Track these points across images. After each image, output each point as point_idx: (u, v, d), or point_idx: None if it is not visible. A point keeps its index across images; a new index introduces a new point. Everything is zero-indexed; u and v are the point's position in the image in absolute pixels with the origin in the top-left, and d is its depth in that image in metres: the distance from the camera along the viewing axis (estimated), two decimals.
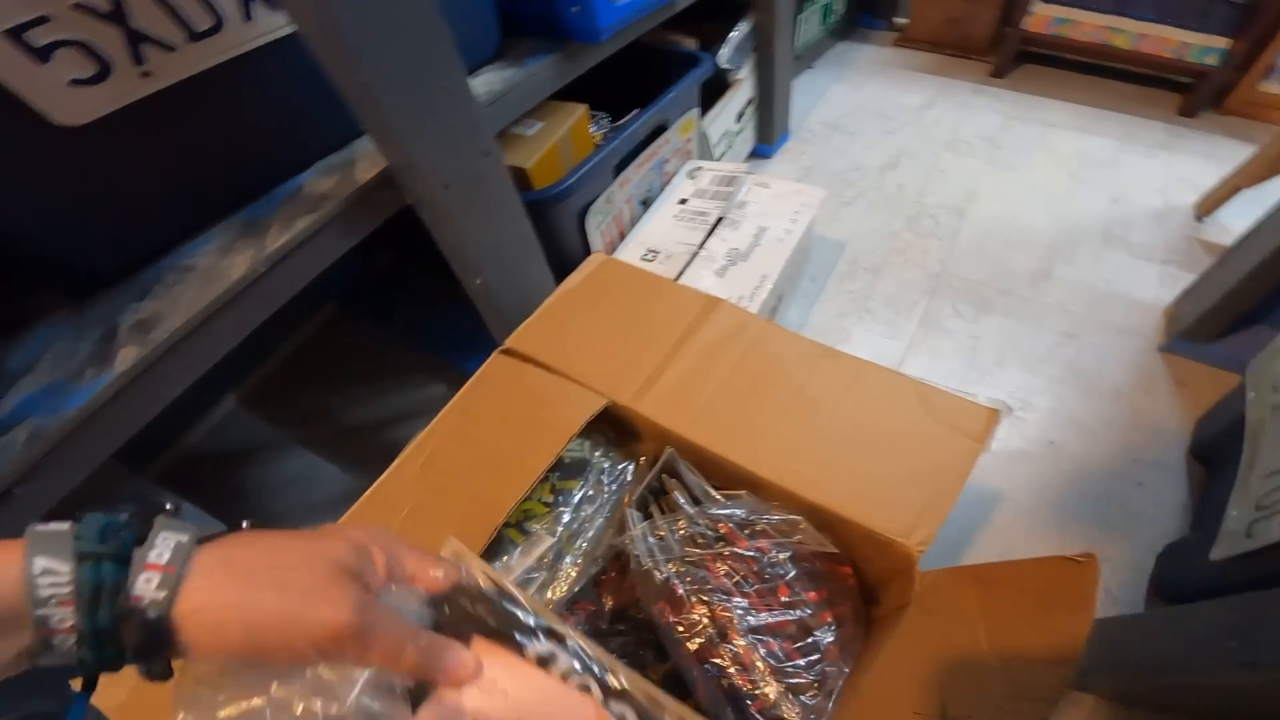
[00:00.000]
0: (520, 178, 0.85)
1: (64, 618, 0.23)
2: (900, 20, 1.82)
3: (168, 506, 0.29)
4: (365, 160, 0.67)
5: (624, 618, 0.66)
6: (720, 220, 1.02)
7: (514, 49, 0.82)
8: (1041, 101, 1.56)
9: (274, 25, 0.58)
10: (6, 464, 0.47)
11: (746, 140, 1.42)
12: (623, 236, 1.03)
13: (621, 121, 1.15)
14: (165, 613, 0.24)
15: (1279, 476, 0.71)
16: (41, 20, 0.45)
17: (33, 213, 0.52)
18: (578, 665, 0.35)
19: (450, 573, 0.33)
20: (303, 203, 0.64)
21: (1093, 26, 1.45)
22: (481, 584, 0.35)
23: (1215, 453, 0.93)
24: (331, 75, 0.55)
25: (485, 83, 0.77)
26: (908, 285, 1.20)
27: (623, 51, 0.94)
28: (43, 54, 0.46)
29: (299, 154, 0.68)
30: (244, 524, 0.30)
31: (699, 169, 1.12)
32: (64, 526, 0.25)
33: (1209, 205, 1.22)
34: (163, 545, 0.25)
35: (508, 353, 0.70)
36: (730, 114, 1.29)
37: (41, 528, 0.24)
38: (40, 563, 0.23)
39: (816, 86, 1.69)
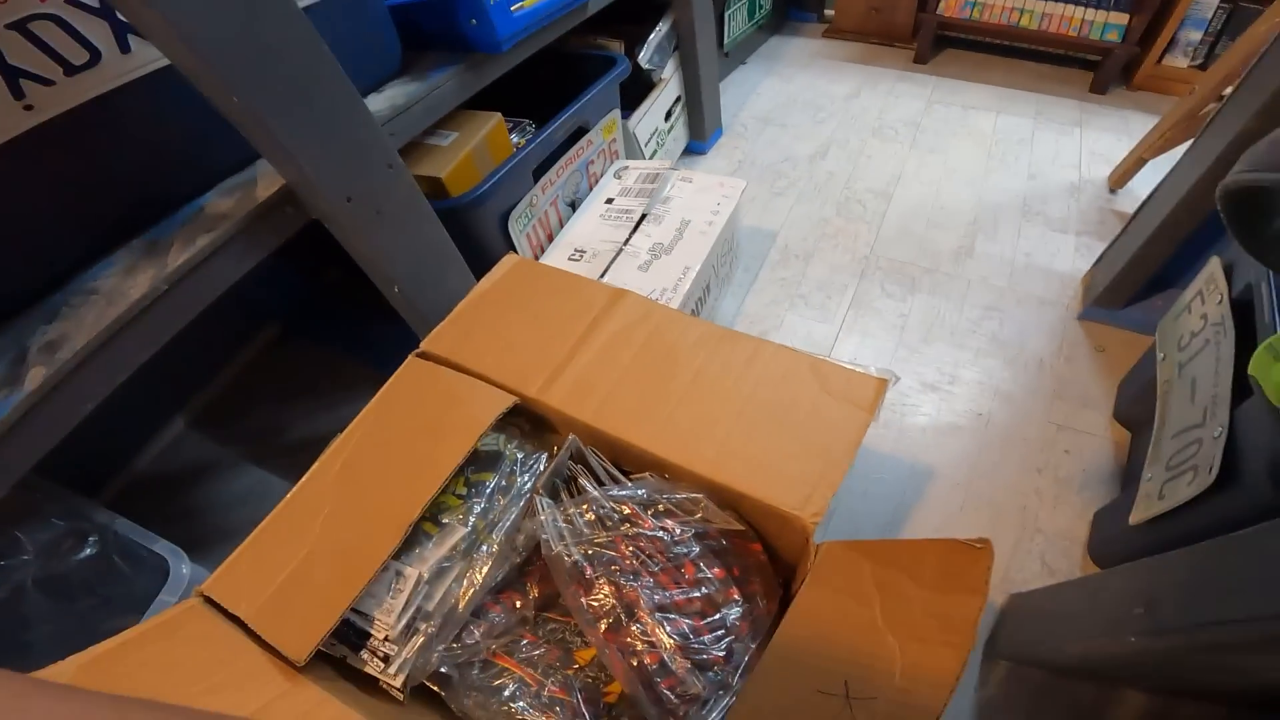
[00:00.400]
0: (437, 187, 0.87)
1: None
2: (829, 11, 1.87)
3: None
4: (266, 178, 0.69)
5: (552, 605, 0.68)
6: (644, 216, 1.04)
7: (419, 63, 0.84)
8: (961, 85, 1.61)
9: (153, 56, 0.59)
10: None
11: (679, 138, 1.45)
12: (551, 239, 1.05)
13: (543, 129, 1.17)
14: None
15: (1186, 435, 0.73)
16: None
17: None
18: None
19: None
20: (203, 222, 0.65)
21: (1002, 8, 1.51)
22: None
23: (1136, 415, 0.96)
24: (212, 102, 0.56)
25: (388, 98, 0.78)
26: (838, 269, 1.23)
27: (542, 57, 0.97)
28: None
29: (199, 175, 0.69)
30: None
31: (625, 168, 1.14)
32: None
33: (1120, 177, 1.27)
34: None
35: (423, 355, 0.71)
36: (658, 113, 1.32)
37: None
38: None
39: (749, 81, 1.72)
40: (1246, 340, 0.70)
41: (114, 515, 0.73)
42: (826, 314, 1.16)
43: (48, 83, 0.54)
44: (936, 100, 1.57)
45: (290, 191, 0.67)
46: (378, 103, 0.78)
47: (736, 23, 1.64)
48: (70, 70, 0.55)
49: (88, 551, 0.68)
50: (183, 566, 0.70)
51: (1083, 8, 1.42)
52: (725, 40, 1.61)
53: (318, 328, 1.28)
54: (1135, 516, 0.75)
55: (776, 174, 1.44)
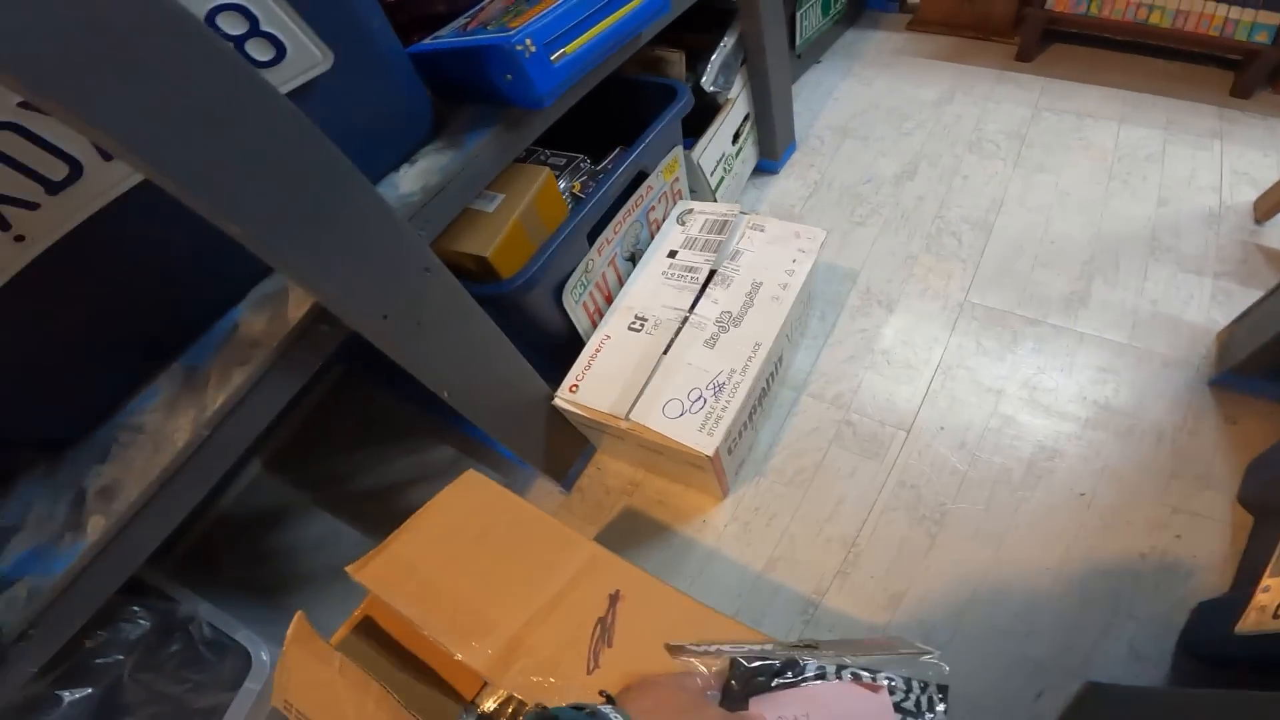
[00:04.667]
0: (483, 267, 0.79)
1: None
2: (913, 0, 1.67)
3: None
4: (297, 290, 0.62)
5: None
6: (712, 275, 0.94)
7: (452, 121, 0.74)
8: (1074, 88, 1.40)
9: None
10: (15, 614, 0.52)
11: (748, 158, 1.33)
12: (610, 301, 0.97)
13: (601, 166, 1.08)
14: None
15: None
16: None
17: None
18: (830, 667, 0.47)
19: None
20: (238, 349, 0.60)
21: (1126, 3, 1.29)
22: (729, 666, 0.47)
23: (1265, 502, 0.83)
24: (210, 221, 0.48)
25: (420, 174, 0.69)
26: (926, 319, 1.10)
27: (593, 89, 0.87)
28: None
29: (227, 285, 0.64)
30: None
31: (689, 211, 1.04)
32: None
33: (1269, 209, 1.09)
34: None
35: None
36: (724, 137, 1.20)
37: None
38: None
39: (825, 84, 1.56)
40: None
41: (197, 601, 0.79)
42: (911, 376, 1.04)
43: (31, 206, 0.47)
44: (1045, 106, 1.38)
45: (323, 309, 0.60)
46: (409, 181, 0.70)
47: (810, 20, 1.48)
48: (52, 188, 0.48)
49: (175, 647, 0.75)
50: (263, 654, 0.75)
51: (1226, 5, 1.20)
52: (797, 41, 1.46)
53: (378, 372, 1.24)
54: (1242, 626, 0.66)
55: (857, 199, 1.30)
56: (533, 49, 0.66)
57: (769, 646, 0.48)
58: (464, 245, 0.79)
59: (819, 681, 0.46)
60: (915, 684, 0.47)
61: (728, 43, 1.13)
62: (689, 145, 1.12)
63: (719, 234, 0.98)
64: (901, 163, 1.34)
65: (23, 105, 0.44)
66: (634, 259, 1.01)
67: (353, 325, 0.60)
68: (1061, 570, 0.84)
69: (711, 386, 0.83)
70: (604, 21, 0.73)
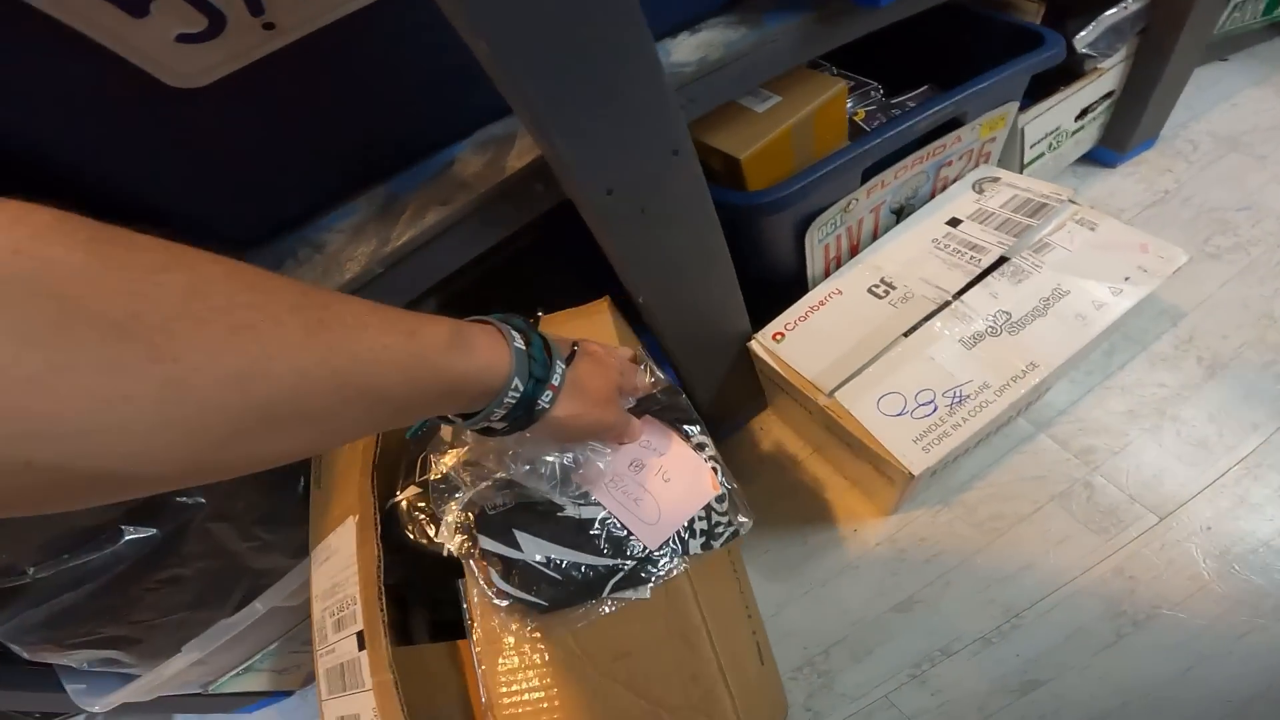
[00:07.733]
0: (731, 169, 0.67)
1: (502, 412, 0.35)
2: None
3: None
4: (526, 137, 0.55)
5: None
6: (1000, 263, 0.74)
7: None
8: None
9: None
10: None
11: (1083, 142, 1.05)
12: (854, 252, 0.81)
13: (899, 101, 0.89)
14: (547, 412, 0.37)
15: None
16: None
17: (160, 178, 0.49)
18: (712, 451, 0.50)
19: (646, 384, 0.51)
20: (443, 186, 0.54)
21: None
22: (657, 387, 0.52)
23: None
24: (462, 36, 0.41)
25: (699, 45, 0.58)
26: (1255, 399, 0.80)
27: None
28: (136, 6, 0.38)
29: (462, 116, 0.58)
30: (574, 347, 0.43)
31: (994, 180, 0.83)
32: (520, 345, 0.36)
33: None
34: (558, 373, 0.38)
35: None
36: (1070, 110, 0.94)
37: (516, 345, 0.35)
38: (514, 381, 0.35)
39: (1223, 85, 1.18)
40: None
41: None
42: (1201, 458, 0.77)
43: None
44: None
45: (544, 164, 0.53)
46: (684, 50, 0.59)
47: (1244, 13, 1.10)
48: None
49: (259, 500, 0.69)
50: None
51: None
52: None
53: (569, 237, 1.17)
54: None
55: (1221, 225, 0.97)
56: None
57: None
58: (717, 140, 0.67)
59: (688, 445, 0.50)
60: (717, 513, 0.48)
61: (1131, 4, 0.86)
62: (1022, 106, 0.89)
63: (1029, 216, 0.77)
64: None
65: None
66: (900, 213, 0.83)
67: (569, 191, 0.52)
68: (1244, 708, 0.65)
69: (950, 395, 0.66)
70: None
